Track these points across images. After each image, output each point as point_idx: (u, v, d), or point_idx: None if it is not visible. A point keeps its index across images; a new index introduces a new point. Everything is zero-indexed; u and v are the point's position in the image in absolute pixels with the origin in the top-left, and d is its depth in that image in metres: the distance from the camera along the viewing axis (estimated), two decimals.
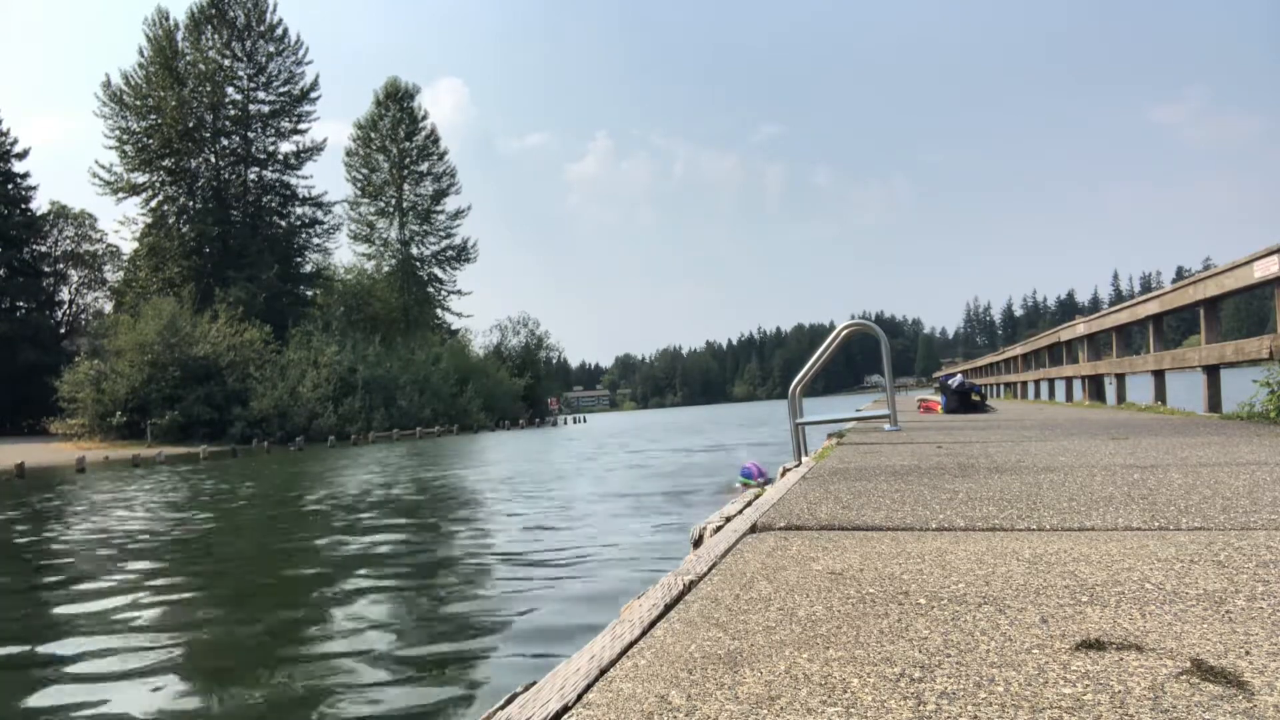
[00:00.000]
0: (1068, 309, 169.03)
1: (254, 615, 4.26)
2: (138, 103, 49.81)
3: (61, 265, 54.48)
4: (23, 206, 50.36)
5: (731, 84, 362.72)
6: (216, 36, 51.96)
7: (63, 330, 53.21)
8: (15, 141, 50.08)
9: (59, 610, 4.59)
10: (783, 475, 4.03)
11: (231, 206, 52.50)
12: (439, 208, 64.12)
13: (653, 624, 1.20)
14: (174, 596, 4.85)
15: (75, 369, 39.57)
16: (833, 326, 6.25)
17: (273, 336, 43.06)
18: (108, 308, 52.87)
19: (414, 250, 63.15)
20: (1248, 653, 0.93)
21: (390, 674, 3.03)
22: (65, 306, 55.41)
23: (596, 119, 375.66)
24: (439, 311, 65.19)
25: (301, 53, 54.75)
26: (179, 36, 50.60)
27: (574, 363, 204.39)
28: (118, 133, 49.82)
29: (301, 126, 55.24)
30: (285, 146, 55.13)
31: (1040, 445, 3.84)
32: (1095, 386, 10.58)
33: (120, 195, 50.46)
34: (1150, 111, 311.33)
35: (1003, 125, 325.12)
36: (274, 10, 53.43)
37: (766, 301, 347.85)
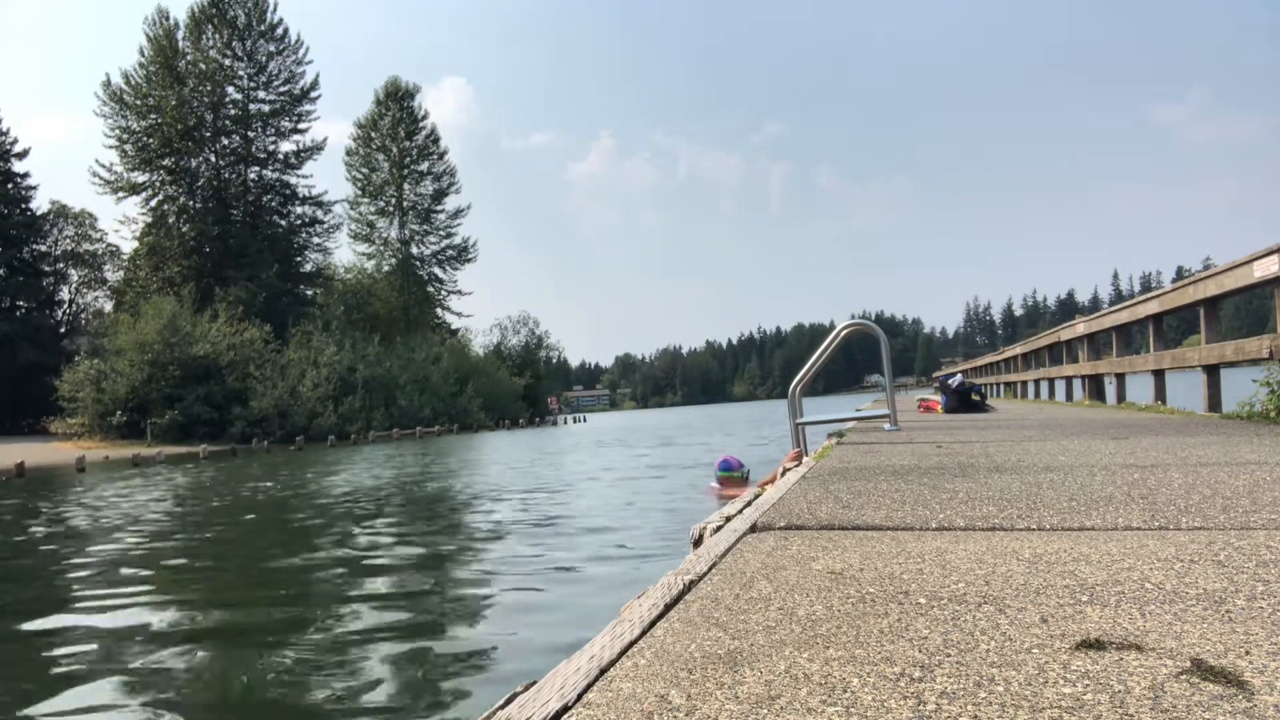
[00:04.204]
0: (1068, 309, 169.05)
1: (251, 614, 4.26)
2: (138, 102, 49.80)
3: (61, 265, 54.45)
4: (23, 206, 50.31)
5: (735, 84, 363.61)
6: (217, 36, 51.95)
7: (63, 330, 53.17)
8: (15, 141, 50.10)
9: (55, 610, 4.59)
10: (782, 475, 4.03)
11: (231, 206, 52.48)
12: (439, 207, 64.20)
13: (653, 624, 1.20)
14: (169, 595, 4.85)
15: (75, 368, 39.54)
16: (833, 326, 6.25)
17: (273, 336, 43.04)
18: (108, 307, 52.88)
19: (414, 250, 63.20)
20: (1248, 653, 0.93)
21: (389, 674, 3.03)
22: (65, 306, 55.40)
23: (600, 118, 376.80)
24: (439, 311, 65.24)
25: (302, 52, 54.80)
26: (179, 36, 50.61)
27: (574, 362, 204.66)
28: (118, 132, 49.83)
29: (302, 126, 55.28)
30: (285, 146, 55.19)
31: (1040, 445, 3.84)
32: (1095, 386, 10.58)
33: (120, 195, 50.46)
34: (1152, 111, 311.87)
35: (1004, 125, 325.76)
36: (274, 10, 53.46)
37: (766, 301, 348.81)
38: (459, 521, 7.51)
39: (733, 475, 7.21)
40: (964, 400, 8.51)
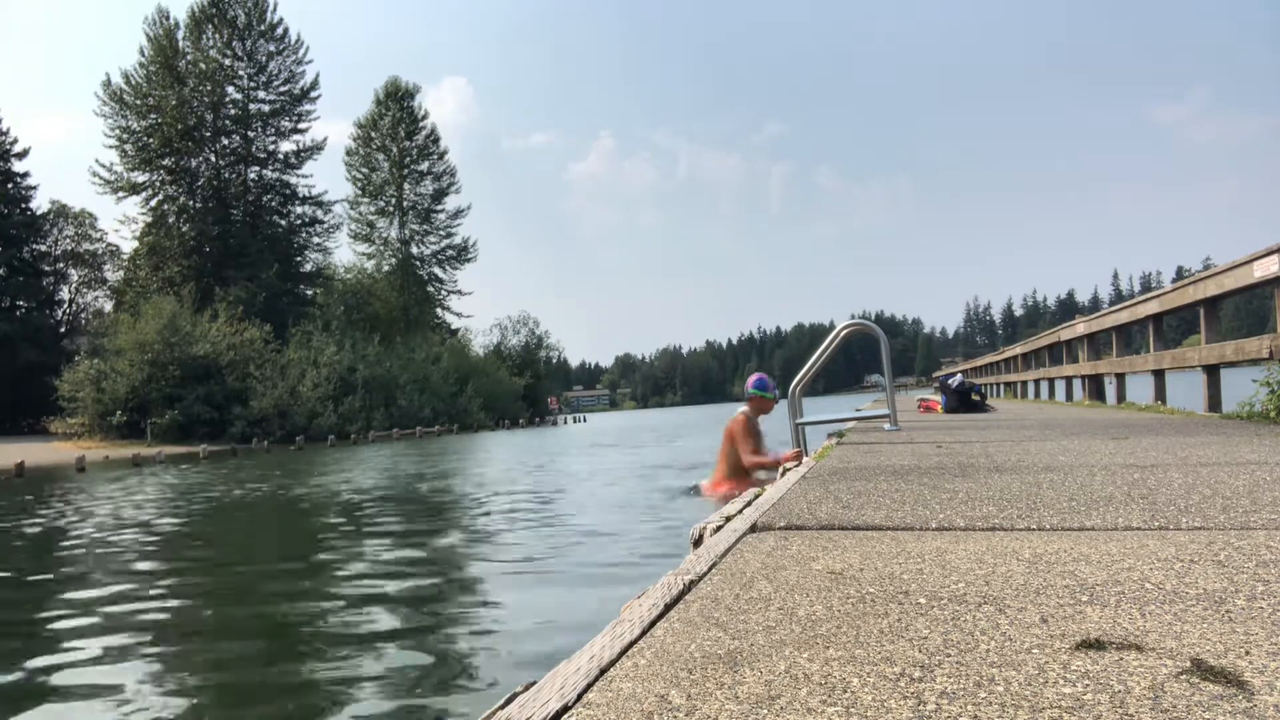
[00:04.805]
0: (1068, 309, 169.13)
1: (248, 614, 4.26)
2: (138, 102, 49.79)
3: (61, 265, 54.46)
4: (23, 206, 50.32)
5: (735, 84, 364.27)
6: (217, 36, 51.95)
7: (63, 330, 53.17)
8: (15, 141, 50.12)
9: (55, 611, 4.59)
10: (782, 475, 4.03)
11: (231, 206, 52.48)
12: (439, 207, 64.18)
13: (653, 624, 1.20)
14: (163, 595, 4.85)
15: (75, 368, 39.54)
16: (833, 326, 6.25)
17: (273, 336, 43.06)
18: (108, 307, 52.90)
19: (414, 250, 63.18)
20: (1248, 653, 0.93)
21: (388, 674, 3.03)
22: (65, 306, 55.40)
23: (600, 118, 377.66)
24: (439, 311, 65.24)
25: (302, 52, 54.80)
26: (179, 36, 50.62)
27: (574, 362, 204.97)
28: (118, 132, 49.80)
29: (302, 126, 55.26)
30: (285, 146, 55.16)
31: (1040, 445, 3.84)
32: (1095, 386, 10.59)
33: (120, 194, 50.43)
34: (1152, 111, 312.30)
35: (1004, 125, 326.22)
36: (274, 9, 53.46)
37: (766, 301, 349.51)
38: (457, 521, 7.51)
39: (765, 396, 7.18)
40: (964, 400, 8.52)
